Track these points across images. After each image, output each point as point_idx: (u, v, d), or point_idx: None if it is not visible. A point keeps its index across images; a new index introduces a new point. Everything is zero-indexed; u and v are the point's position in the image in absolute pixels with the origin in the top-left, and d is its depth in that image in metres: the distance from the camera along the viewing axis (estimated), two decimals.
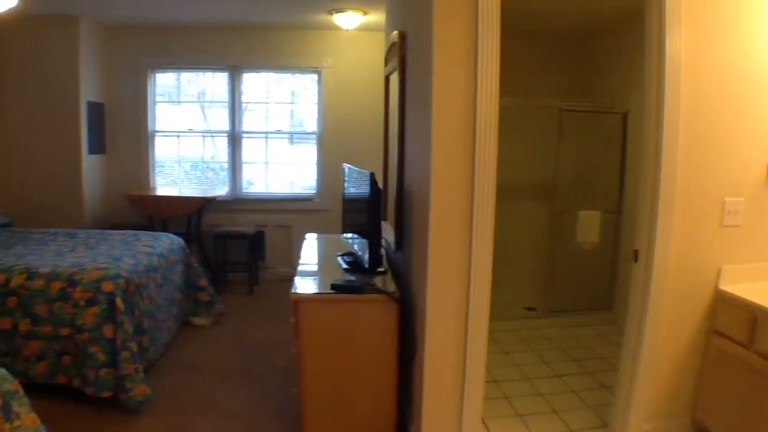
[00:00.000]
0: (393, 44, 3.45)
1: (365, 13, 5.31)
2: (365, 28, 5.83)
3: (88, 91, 5.86)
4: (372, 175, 2.95)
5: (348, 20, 5.36)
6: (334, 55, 6.24)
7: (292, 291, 2.84)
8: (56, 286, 3.45)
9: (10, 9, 3.14)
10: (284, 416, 3.39)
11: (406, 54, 3.15)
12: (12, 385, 2.31)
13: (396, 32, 3.30)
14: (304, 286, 2.93)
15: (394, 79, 3.48)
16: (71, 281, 3.48)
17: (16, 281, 3.48)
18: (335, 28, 5.78)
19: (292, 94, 6.46)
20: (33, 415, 2.39)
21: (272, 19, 5.75)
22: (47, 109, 5.73)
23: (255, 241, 6.04)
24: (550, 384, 3.69)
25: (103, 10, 5.55)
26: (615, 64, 4.92)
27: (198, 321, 4.84)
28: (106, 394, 3.34)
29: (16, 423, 2.28)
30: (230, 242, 6.11)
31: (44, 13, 5.30)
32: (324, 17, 5.53)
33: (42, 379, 3.42)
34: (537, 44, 5.19)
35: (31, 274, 3.52)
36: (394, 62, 3.38)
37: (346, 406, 2.88)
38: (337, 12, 5.29)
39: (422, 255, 2.61)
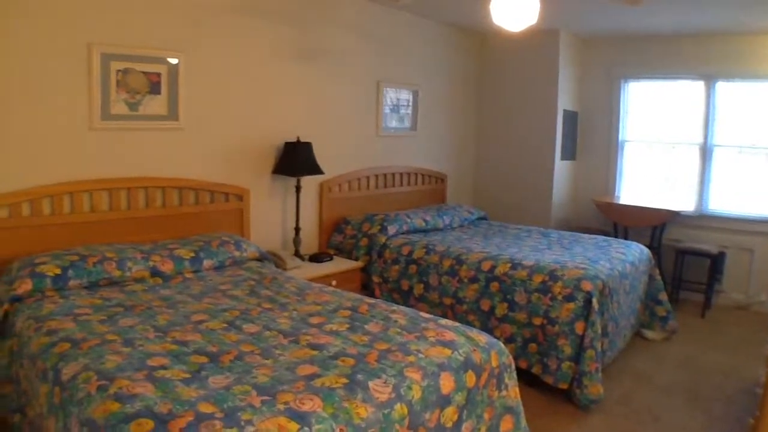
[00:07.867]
0: None
1: None
2: None
3: (564, 100, 6.29)
4: None
5: None
6: None
7: None
8: (538, 278, 3.83)
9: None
10: None
11: None
12: (507, 359, 2.68)
13: None
14: None
15: None
16: (552, 276, 3.81)
17: (501, 269, 4.02)
18: None
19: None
20: (516, 389, 2.71)
21: (752, 24, 5.18)
22: (529, 116, 6.36)
23: (716, 262, 5.59)
24: None
25: (581, 23, 5.86)
26: None
27: (649, 334, 4.78)
28: (563, 385, 3.58)
29: (503, 393, 2.63)
30: (688, 259, 5.78)
31: (532, 27, 5.82)
32: None
33: None
34: None
35: (515, 265, 4.01)
36: None
37: None
38: None
39: None
